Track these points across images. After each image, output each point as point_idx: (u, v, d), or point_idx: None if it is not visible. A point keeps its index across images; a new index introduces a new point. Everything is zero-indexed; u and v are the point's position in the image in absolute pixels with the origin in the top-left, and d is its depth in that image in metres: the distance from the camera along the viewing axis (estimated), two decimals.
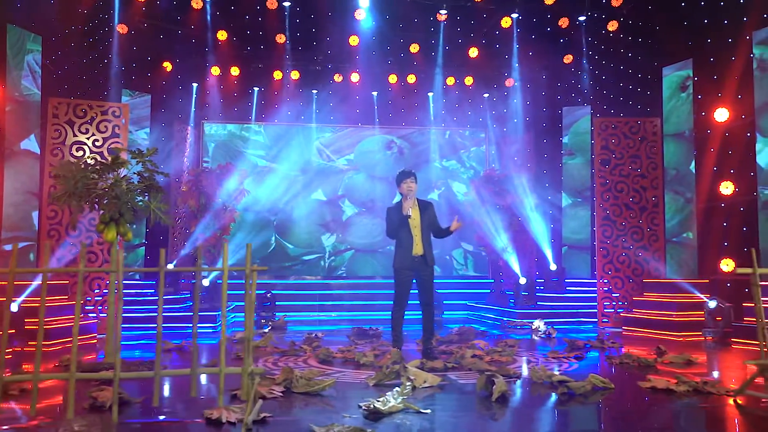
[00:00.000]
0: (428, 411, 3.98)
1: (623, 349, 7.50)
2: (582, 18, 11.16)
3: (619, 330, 9.59)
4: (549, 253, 11.74)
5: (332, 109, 13.51)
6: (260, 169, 13.42)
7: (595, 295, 10.55)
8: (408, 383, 4.32)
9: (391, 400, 4.01)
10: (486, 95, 13.53)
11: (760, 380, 4.46)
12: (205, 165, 12.88)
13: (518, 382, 5.16)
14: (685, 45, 10.19)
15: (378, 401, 3.96)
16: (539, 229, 11.82)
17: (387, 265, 13.43)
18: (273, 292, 12.25)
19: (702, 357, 6.75)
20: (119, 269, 4.29)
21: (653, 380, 4.89)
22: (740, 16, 9.31)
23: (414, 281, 6.46)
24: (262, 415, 3.74)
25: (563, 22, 11.27)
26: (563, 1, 10.91)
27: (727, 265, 9.04)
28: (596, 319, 10.37)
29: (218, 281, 11.67)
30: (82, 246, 3.91)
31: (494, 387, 4.30)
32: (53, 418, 3.84)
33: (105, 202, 5.48)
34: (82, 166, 5.43)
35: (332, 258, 13.54)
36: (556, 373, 4.99)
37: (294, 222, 13.45)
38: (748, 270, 4.32)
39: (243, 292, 3.46)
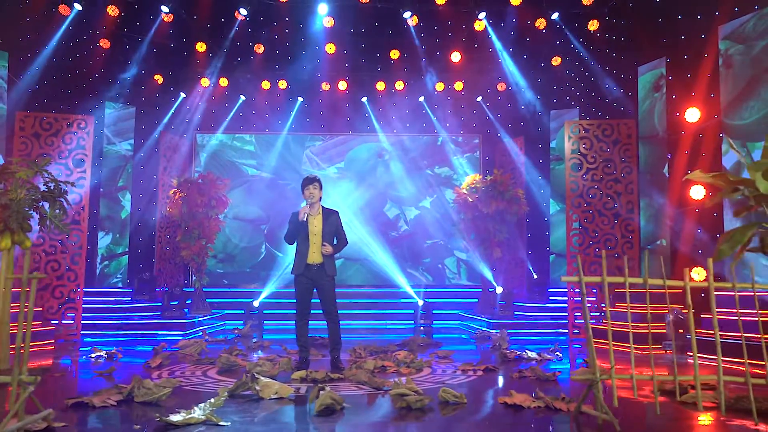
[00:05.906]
0: (227, 423, 3.86)
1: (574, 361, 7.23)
2: (555, 16, 10.77)
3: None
4: (529, 263, 11.33)
5: (322, 118, 13.52)
6: (251, 177, 13.54)
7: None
8: (224, 395, 4.20)
9: (196, 411, 3.93)
10: (479, 99, 13.23)
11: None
12: (196, 175, 13.08)
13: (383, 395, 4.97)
14: (660, 42, 9.70)
15: (178, 414, 3.89)
16: (524, 237, 11.44)
17: (376, 273, 13.33)
18: (262, 300, 12.36)
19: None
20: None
21: (514, 395, 4.63)
22: (712, 11, 8.79)
23: (315, 290, 6.38)
24: (58, 425, 3.73)
25: (540, 23, 10.92)
26: (531, 2, 10.57)
27: (698, 273, 8.51)
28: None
29: (203, 289, 11.90)
30: None
31: (317, 400, 4.15)
32: None
33: None
34: None
35: None
36: (400, 386, 4.73)
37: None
38: (574, 278, 4.01)
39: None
